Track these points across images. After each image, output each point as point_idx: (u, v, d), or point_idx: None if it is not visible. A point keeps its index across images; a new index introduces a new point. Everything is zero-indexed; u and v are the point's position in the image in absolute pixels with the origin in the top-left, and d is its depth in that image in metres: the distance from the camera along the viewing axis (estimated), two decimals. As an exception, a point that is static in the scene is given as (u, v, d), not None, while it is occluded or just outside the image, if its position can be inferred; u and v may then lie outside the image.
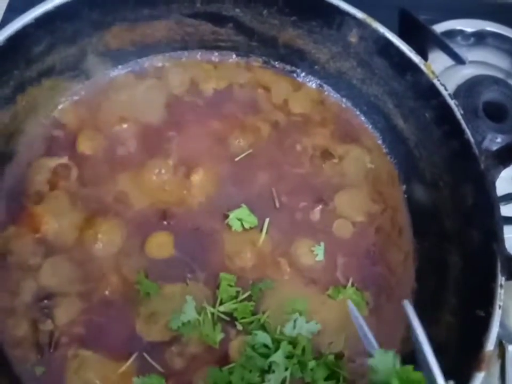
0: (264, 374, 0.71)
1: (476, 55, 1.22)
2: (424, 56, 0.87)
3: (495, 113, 1.09)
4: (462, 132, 0.77)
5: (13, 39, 0.71)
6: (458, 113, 0.78)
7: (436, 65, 1.17)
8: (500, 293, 0.70)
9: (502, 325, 0.88)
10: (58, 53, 0.78)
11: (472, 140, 0.76)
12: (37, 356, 0.71)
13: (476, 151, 0.76)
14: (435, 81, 0.80)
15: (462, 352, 0.71)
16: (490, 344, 0.68)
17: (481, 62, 1.22)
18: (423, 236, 0.85)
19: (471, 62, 1.19)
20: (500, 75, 1.20)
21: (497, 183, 1.04)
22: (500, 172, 0.76)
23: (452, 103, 0.79)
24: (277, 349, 0.71)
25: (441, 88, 0.80)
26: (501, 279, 0.70)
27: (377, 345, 0.60)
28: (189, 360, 0.73)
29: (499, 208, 0.74)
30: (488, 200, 0.74)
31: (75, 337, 0.72)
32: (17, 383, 0.69)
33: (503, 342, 0.88)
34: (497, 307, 0.69)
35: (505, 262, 0.71)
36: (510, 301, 0.90)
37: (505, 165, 0.75)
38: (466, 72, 1.17)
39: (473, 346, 0.68)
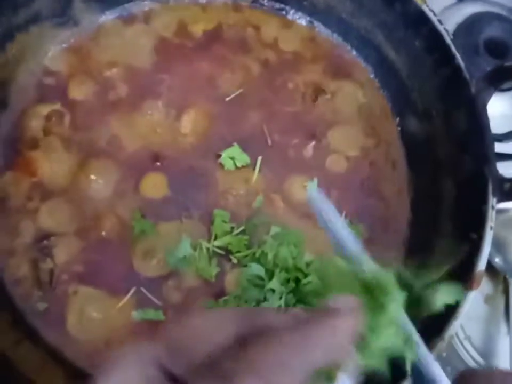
0: (259, 304, 0.72)
1: (476, -8, 1.19)
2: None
3: (496, 50, 1.06)
4: (452, 57, 0.76)
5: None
6: (447, 38, 0.77)
7: (435, 4, 1.15)
8: (492, 214, 0.70)
9: (505, 260, 0.89)
10: (43, -1, 0.79)
11: (462, 64, 0.75)
12: (39, 293, 0.73)
13: (467, 76, 0.75)
14: (424, 7, 0.78)
15: (455, 274, 0.71)
16: (482, 264, 0.68)
17: (481, -1, 1.19)
18: (417, 167, 0.84)
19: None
20: (503, 12, 1.17)
21: (500, 120, 1.04)
22: (491, 94, 0.75)
23: (441, 28, 0.77)
24: (271, 278, 0.73)
25: (430, 14, 0.78)
26: (492, 200, 0.70)
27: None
28: (186, 294, 0.75)
29: (490, 131, 0.73)
30: (479, 124, 0.73)
31: (74, 275, 0.74)
32: (20, 318, 0.72)
33: (507, 276, 0.88)
34: (488, 228, 0.69)
35: (496, 183, 0.70)
36: (510, 233, 0.90)
37: (496, 86, 0.74)
38: (466, 11, 1.14)
39: (466, 267, 0.69)
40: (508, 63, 0.72)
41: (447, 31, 0.77)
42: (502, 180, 0.71)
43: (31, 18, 0.79)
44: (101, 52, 0.85)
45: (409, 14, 0.80)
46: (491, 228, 0.69)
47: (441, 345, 0.64)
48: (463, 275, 0.68)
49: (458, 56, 0.76)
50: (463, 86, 0.75)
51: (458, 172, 0.77)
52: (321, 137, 0.85)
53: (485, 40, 1.09)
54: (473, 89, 0.74)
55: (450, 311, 0.66)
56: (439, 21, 0.78)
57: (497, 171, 0.72)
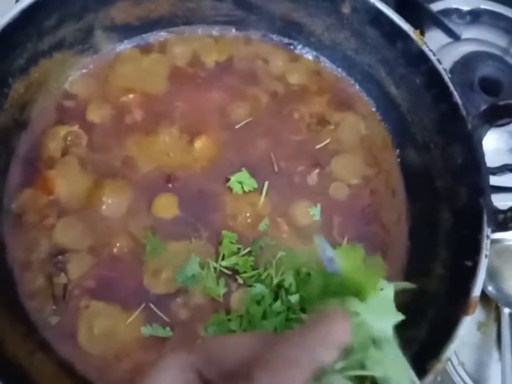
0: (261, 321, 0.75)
1: (472, 33, 1.25)
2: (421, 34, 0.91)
3: (490, 87, 1.12)
4: (450, 94, 0.81)
5: (26, 12, 0.76)
6: (446, 77, 0.82)
7: (432, 43, 1.20)
8: (486, 243, 0.74)
9: (498, 288, 0.92)
10: (67, 27, 0.84)
11: (459, 101, 0.80)
12: (52, 307, 0.76)
13: (464, 112, 0.80)
14: (424, 47, 0.84)
15: (451, 299, 0.75)
16: (477, 290, 0.71)
17: (477, 39, 1.25)
18: (415, 196, 0.88)
19: (467, 39, 1.23)
20: (496, 52, 1.24)
21: (495, 154, 1.09)
22: (486, 131, 0.79)
23: (440, 67, 0.82)
24: (275, 299, 0.76)
25: (429, 54, 0.83)
26: (487, 230, 0.74)
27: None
28: (193, 311, 0.77)
29: (485, 164, 0.78)
30: (475, 158, 0.78)
31: (87, 290, 0.77)
32: (34, 330, 0.74)
33: (499, 305, 0.91)
34: (483, 256, 0.73)
35: (491, 214, 0.75)
36: (505, 264, 0.94)
37: (491, 123, 0.79)
38: (462, 49, 1.21)
39: (462, 293, 0.72)
40: (502, 102, 0.76)
41: (445, 70, 0.83)
42: (496, 211, 0.75)
43: (55, 45, 0.84)
44: (118, 78, 0.90)
45: (410, 53, 0.86)
46: (486, 256, 0.73)
47: (438, 366, 0.67)
48: (459, 301, 0.72)
49: (456, 94, 0.81)
50: (460, 122, 0.80)
51: (455, 202, 0.81)
52: (325, 165, 0.89)
53: (479, 77, 1.15)
54: (469, 125, 0.79)
55: (447, 334, 0.70)
56: (438, 61, 0.83)
57: (491, 203, 0.76)
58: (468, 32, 1.23)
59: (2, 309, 0.73)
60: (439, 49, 1.20)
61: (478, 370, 0.90)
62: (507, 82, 1.15)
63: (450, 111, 0.81)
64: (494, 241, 0.97)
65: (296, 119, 0.92)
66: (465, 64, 1.17)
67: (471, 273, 0.73)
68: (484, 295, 0.92)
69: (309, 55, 0.96)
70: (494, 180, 1.04)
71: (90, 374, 0.73)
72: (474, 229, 0.75)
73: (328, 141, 0.90)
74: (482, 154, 0.78)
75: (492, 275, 0.92)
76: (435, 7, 1.20)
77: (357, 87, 0.95)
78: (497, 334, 0.92)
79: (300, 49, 0.96)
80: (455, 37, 1.20)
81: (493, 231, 0.75)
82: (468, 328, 0.90)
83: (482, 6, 1.25)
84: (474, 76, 1.15)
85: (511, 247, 0.97)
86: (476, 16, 1.27)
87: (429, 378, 0.67)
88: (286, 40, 0.96)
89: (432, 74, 0.83)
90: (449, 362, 0.89)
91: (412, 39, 0.84)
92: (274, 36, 0.96)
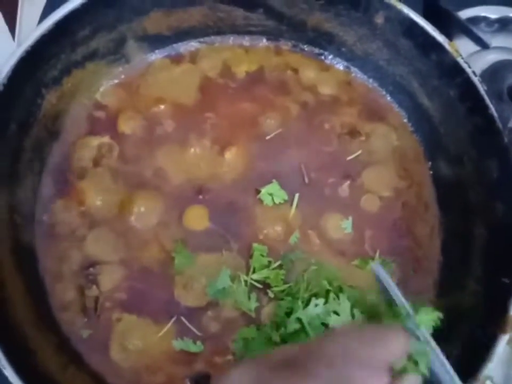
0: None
1: (500, 41, 1.23)
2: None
3: (520, 97, 1.11)
4: (485, 107, 0.80)
5: (61, 24, 0.76)
6: (481, 89, 0.80)
7: (461, 51, 1.20)
8: (524, 260, 0.73)
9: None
10: (101, 38, 0.83)
11: (495, 114, 0.79)
12: (84, 319, 0.76)
13: (500, 126, 0.78)
14: (459, 59, 0.83)
15: (487, 317, 0.73)
16: (515, 308, 0.70)
17: (505, 47, 1.23)
18: (448, 209, 0.87)
19: (495, 47, 1.22)
20: (525, 60, 1.22)
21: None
22: (523, 145, 0.78)
23: (476, 79, 0.81)
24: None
25: (465, 66, 0.82)
26: (524, 247, 0.73)
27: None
28: (224, 324, 0.77)
29: (523, 180, 0.76)
30: (511, 172, 0.77)
31: (118, 302, 0.77)
32: (66, 343, 0.74)
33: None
34: (520, 273, 0.72)
35: (528, 231, 0.74)
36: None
37: (528, 138, 0.78)
38: (490, 58, 1.19)
39: (498, 311, 0.71)
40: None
41: (481, 82, 0.81)
42: (533, 228, 0.74)
43: (88, 55, 0.84)
44: (149, 89, 0.89)
45: (444, 64, 0.84)
46: (524, 273, 0.72)
47: (475, 385, 0.67)
48: (495, 318, 0.71)
49: (491, 106, 0.79)
50: (495, 135, 0.79)
51: (489, 217, 0.80)
52: (356, 177, 0.88)
53: (508, 87, 1.13)
54: (505, 139, 0.78)
55: (484, 352, 0.69)
56: (474, 73, 0.82)
57: (529, 219, 0.75)
58: (495, 41, 1.21)
59: (35, 320, 0.73)
60: (467, 57, 1.18)
61: (508, 385, 0.89)
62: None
63: (485, 124, 0.80)
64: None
65: (327, 130, 0.91)
66: (494, 73, 1.16)
67: (508, 291, 0.72)
68: None
69: (340, 65, 0.95)
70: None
71: (122, 387, 0.73)
72: (511, 245, 0.74)
73: (359, 152, 0.89)
74: (519, 169, 0.77)
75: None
76: (463, 14, 1.18)
77: (389, 98, 0.94)
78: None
79: (330, 59, 0.95)
80: (483, 45, 1.19)
81: (530, 248, 0.73)
82: None
83: (511, 15, 1.24)
84: (503, 85, 1.12)
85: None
86: (504, 24, 1.25)
87: (466, 397, 0.66)
88: (316, 50, 0.95)
89: (467, 86, 0.82)
90: (478, 377, 0.89)
91: (446, 51, 0.83)
92: (305, 46, 0.95)
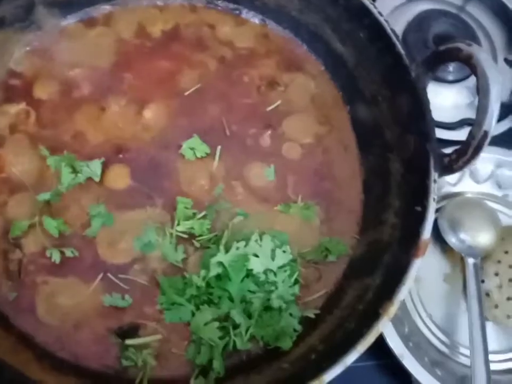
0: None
1: (425, -9, 1.26)
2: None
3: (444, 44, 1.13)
4: (393, 45, 0.81)
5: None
6: (388, 28, 0.82)
7: (385, 3, 1.21)
8: (434, 187, 0.75)
9: (460, 240, 0.93)
10: (7, 5, 0.83)
11: (402, 52, 0.81)
12: (8, 282, 0.76)
13: (407, 61, 0.80)
14: (364, 0, 0.84)
15: (403, 245, 0.76)
16: (427, 233, 0.73)
17: (430, -2, 1.25)
18: (367, 150, 0.89)
19: (419, -2, 1.24)
20: (451, 10, 1.24)
21: (453, 109, 1.10)
22: (430, 78, 0.80)
23: (382, 19, 0.83)
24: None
25: (370, 7, 0.84)
26: (434, 175, 0.75)
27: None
28: (152, 276, 0.78)
29: (430, 111, 0.78)
30: (420, 105, 0.78)
31: (42, 266, 0.77)
32: (-8, 306, 0.75)
33: (463, 255, 0.92)
34: (431, 200, 0.74)
35: (437, 159, 0.76)
36: (466, 216, 0.95)
37: (433, 71, 0.79)
38: (416, 9, 1.21)
39: (413, 238, 0.73)
40: (442, 47, 0.76)
41: (387, 21, 0.83)
42: (442, 155, 0.76)
43: (-4, 23, 0.83)
44: (64, 54, 0.89)
45: (352, 8, 0.86)
46: (434, 199, 0.74)
47: (392, 309, 0.69)
48: (410, 245, 0.73)
49: (398, 44, 0.81)
50: (404, 72, 0.80)
51: (404, 151, 0.82)
52: (277, 127, 0.89)
53: (434, 35, 1.15)
54: (413, 74, 0.79)
55: (399, 277, 0.71)
56: (380, 13, 0.84)
57: (437, 148, 0.77)
58: (421, -9, 1.24)
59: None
60: (392, 10, 1.21)
61: (446, 321, 0.92)
62: (462, 38, 1.15)
63: (394, 62, 0.82)
64: (454, 194, 0.99)
65: (246, 83, 0.92)
66: (420, 23, 1.18)
67: (421, 218, 0.74)
68: (448, 247, 0.93)
69: (255, 19, 0.96)
70: (453, 135, 1.06)
71: (50, 345, 0.74)
72: (422, 174, 0.76)
73: (278, 102, 0.91)
74: (427, 102, 0.78)
75: (454, 227, 0.93)
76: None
77: (305, 47, 0.95)
78: (463, 284, 0.93)
79: (245, 13, 0.96)
80: (411, -6, 1.21)
81: (440, 175, 0.75)
82: (434, 281, 0.93)
83: (436, -37, 1.25)
84: (428, 34, 1.15)
85: (471, 199, 0.99)
86: (429, -26, 1.26)
87: (384, 321, 0.68)
88: (231, 6, 0.96)
89: (375, 27, 0.84)
90: (417, 315, 0.91)
91: (351, -6, 0.85)
92: (219, 1, 0.96)
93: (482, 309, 0.84)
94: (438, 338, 0.90)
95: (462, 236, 0.93)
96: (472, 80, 1.12)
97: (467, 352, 0.86)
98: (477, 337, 0.82)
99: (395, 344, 0.82)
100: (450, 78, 1.11)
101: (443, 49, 0.77)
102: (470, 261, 0.91)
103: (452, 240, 0.93)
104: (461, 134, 1.05)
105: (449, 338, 0.90)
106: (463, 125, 1.07)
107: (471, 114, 1.08)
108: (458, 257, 0.95)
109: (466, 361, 0.87)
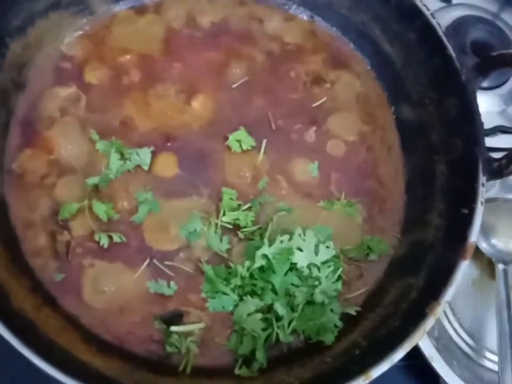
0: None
1: (463, -2, 1.26)
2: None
3: (482, 51, 1.14)
4: (444, 48, 0.82)
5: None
6: (440, 31, 0.83)
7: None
8: (482, 191, 0.76)
9: (492, 245, 0.94)
10: (64, -13, 0.84)
11: (453, 54, 0.82)
12: (55, 264, 0.77)
13: (457, 65, 0.81)
14: (417, 2, 0.85)
15: (448, 247, 0.76)
16: (474, 236, 0.73)
17: (468, 4, 1.26)
18: (411, 151, 0.90)
19: (458, 4, 1.24)
20: (487, 16, 1.25)
21: (486, 116, 1.10)
22: (480, 82, 0.81)
23: (434, 22, 0.84)
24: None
25: (423, 9, 0.84)
26: (482, 179, 0.76)
27: None
28: (197, 265, 0.79)
29: (479, 114, 0.79)
30: (469, 109, 0.79)
31: (89, 250, 0.78)
32: (39, 286, 0.75)
33: (493, 261, 0.93)
34: (479, 203, 0.75)
35: (485, 163, 0.76)
36: (498, 221, 0.96)
37: (484, 76, 0.80)
38: (454, 14, 1.22)
39: (459, 240, 0.74)
40: (494, 53, 0.77)
41: (439, 24, 0.83)
42: (491, 160, 0.77)
43: (51, 5, 0.84)
44: (114, 40, 0.90)
45: (403, 9, 0.87)
46: (482, 203, 0.75)
47: (439, 309, 0.69)
48: (456, 247, 0.74)
49: (449, 47, 0.82)
50: (454, 75, 0.81)
51: (450, 154, 0.82)
52: (322, 123, 0.90)
53: (471, 41, 1.16)
54: (463, 77, 0.80)
55: (445, 278, 0.72)
56: (432, 15, 0.84)
57: (486, 152, 0.78)
58: (459, -2, 1.25)
59: (8, 265, 0.73)
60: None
61: (474, 325, 0.93)
62: (498, 45, 1.17)
63: (444, 64, 0.83)
64: (488, 200, 0.99)
65: (293, 78, 0.92)
66: (457, 28, 1.19)
67: (468, 220, 0.75)
68: (476, 252, 0.94)
69: (303, 15, 0.97)
70: (486, 141, 1.06)
71: (95, 328, 0.74)
72: (470, 178, 0.77)
73: (324, 99, 0.91)
74: (476, 105, 0.79)
75: (486, 232, 0.94)
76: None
77: (352, 45, 0.96)
78: (491, 289, 0.93)
79: (294, 9, 0.97)
80: (446, 0, 1.22)
81: (488, 179, 0.76)
82: (462, 284, 0.94)
83: (472, -29, 1.26)
84: (466, 40, 1.16)
85: (505, 205, 0.99)
86: (466, -20, 1.27)
87: (430, 321, 0.69)
88: (280, 1, 0.97)
89: (426, 29, 0.85)
90: (445, 318, 0.92)
91: (405, -5, 0.85)
92: (269, -4, 0.97)
93: (511, 314, 0.85)
94: (465, 342, 0.91)
95: (494, 241, 0.94)
96: (505, 88, 1.14)
97: (493, 357, 0.87)
98: (506, 343, 0.82)
99: (425, 345, 0.83)
100: (484, 85, 1.12)
101: (495, 54, 0.78)
102: (500, 266, 0.92)
103: (482, 245, 0.94)
104: (494, 141, 1.06)
105: (476, 342, 0.91)
106: (496, 131, 1.08)
107: (503, 122, 1.09)
108: (486, 262, 0.95)
109: (492, 366, 0.88)
